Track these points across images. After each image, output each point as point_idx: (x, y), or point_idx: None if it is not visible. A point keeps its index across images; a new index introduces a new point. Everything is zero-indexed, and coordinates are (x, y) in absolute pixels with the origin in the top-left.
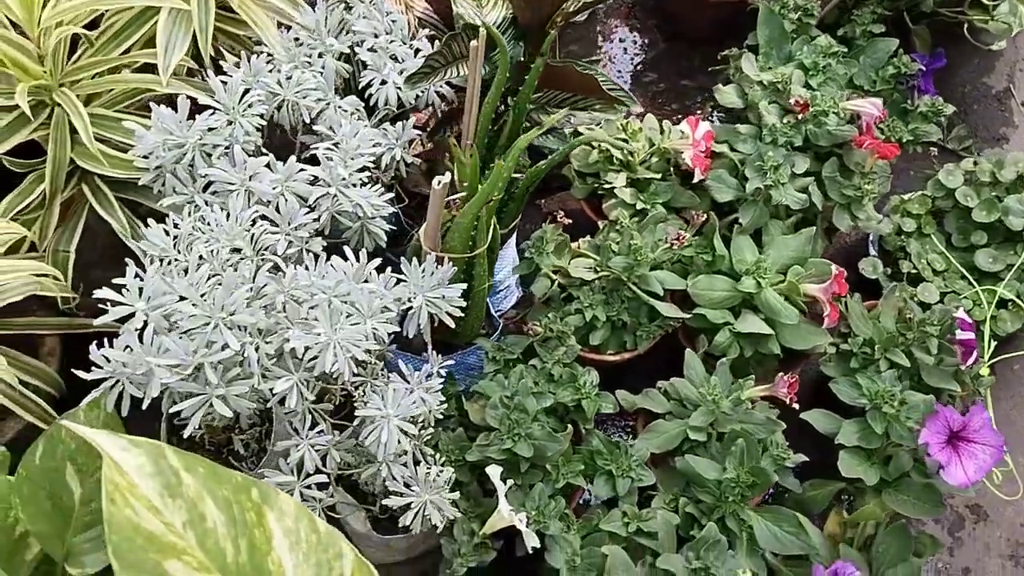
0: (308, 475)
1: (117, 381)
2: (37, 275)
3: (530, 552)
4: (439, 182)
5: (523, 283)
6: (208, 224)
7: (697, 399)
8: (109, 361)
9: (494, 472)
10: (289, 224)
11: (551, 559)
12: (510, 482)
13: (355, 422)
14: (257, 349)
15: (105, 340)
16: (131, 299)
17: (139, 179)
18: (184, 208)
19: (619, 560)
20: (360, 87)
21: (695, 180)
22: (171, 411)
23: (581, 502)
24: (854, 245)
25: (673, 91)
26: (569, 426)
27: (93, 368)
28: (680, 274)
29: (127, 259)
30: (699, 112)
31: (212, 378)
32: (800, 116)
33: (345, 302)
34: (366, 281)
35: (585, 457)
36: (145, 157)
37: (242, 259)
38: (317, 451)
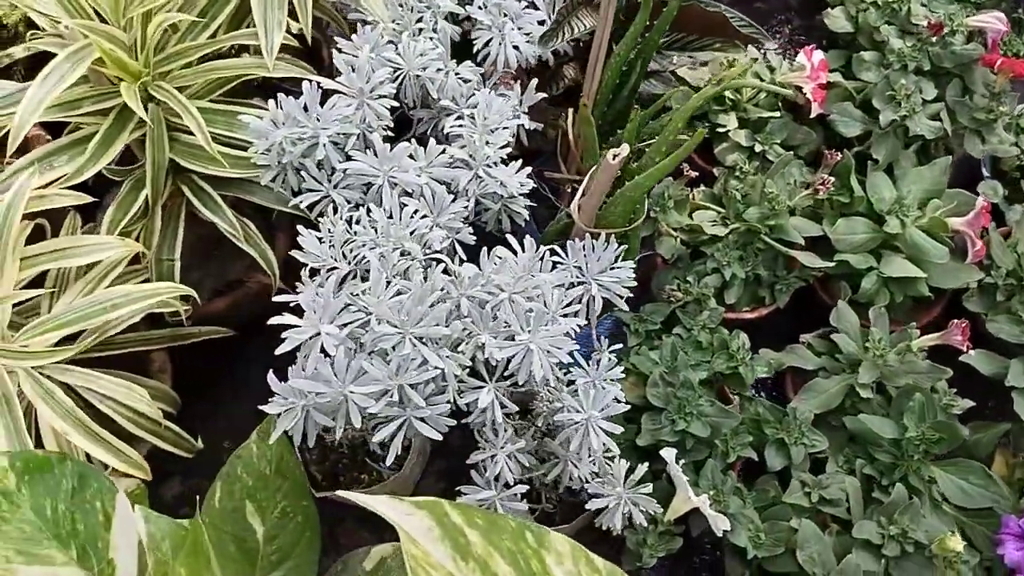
0: (507, 486)
1: (301, 409)
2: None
3: (719, 534)
4: (615, 155)
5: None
6: (360, 224)
7: (858, 353)
8: (284, 384)
9: (670, 455)
10: (438, 214)
11: (734, 538)
12: (681, 461)
13: (538, 421)
14: (447, 358)
15: (290, 369)
16: (311, 321)
17: (252, 177)
18: (317, 205)
19: (810, 532)
20: (475, 50)
21: (812, 115)
22: (376, 440)
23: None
24: (959, 168)
25: (749, 15)
26: (736, 397)
27: (272, 400)
28: (812, 219)
29: (303, 276)
30: (777, 36)
31: (417, 401)
32: (927, 37)
33: (528, 298)
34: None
35: (750, 426)
36: (265, 152)
37: (412, 262)
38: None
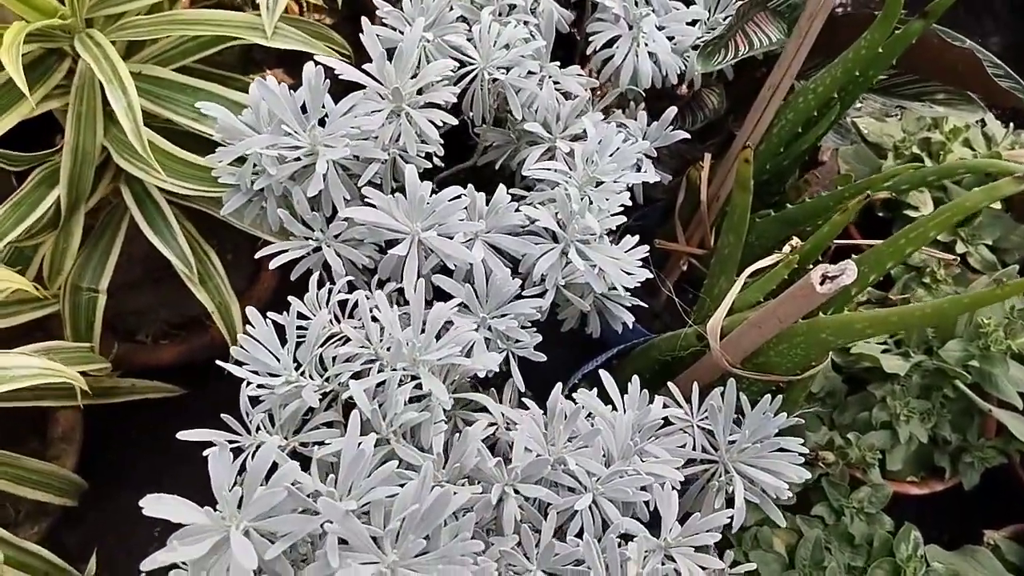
0: None
1: None
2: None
3: None
4: (825, 277)
5: None
6: (356, 317)
7: None
8: None
9: None
10: (486, 306)
11: None
12: None
13: None
14: None
15: None
16: (220, 515)
17: (218, 194)
18: (302, 261)
19: None
20: (589, 51)
21: None
22: None
23: None
24: None
25: None
26: None
27: None
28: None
29: (244, 398)
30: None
31: None
32: None
33: (624, 502)
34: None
35: None
36: (238, 161)
37: (426, 412)
38: None
